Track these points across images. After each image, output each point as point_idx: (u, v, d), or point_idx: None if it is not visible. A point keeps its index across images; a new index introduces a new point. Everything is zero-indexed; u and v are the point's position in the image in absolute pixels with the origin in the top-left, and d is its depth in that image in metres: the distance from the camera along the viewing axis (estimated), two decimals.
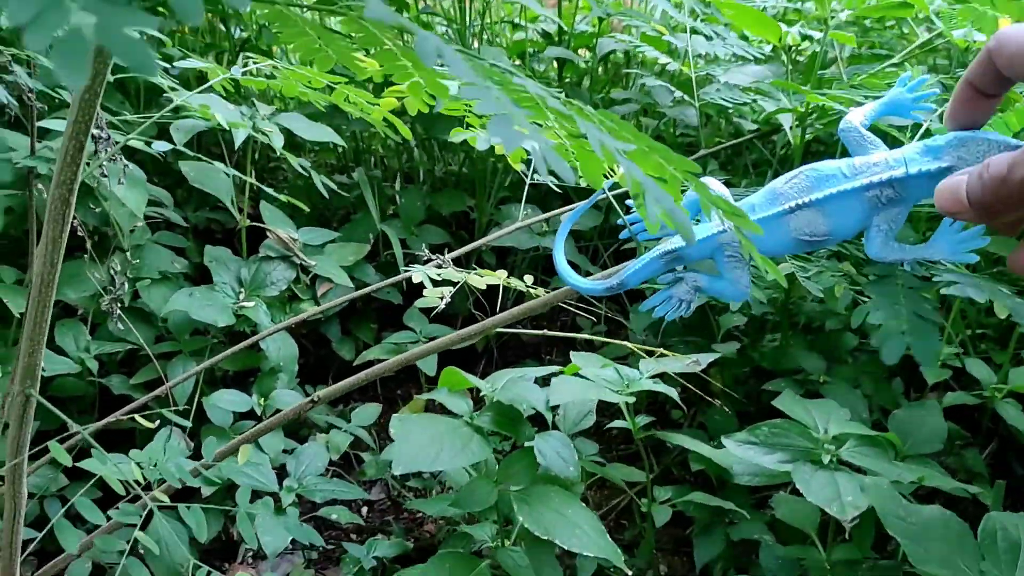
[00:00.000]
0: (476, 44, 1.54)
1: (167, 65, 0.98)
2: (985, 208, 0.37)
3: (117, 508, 0.81)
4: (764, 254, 0.43)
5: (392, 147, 1.66)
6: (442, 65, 0.33)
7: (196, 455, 1.05)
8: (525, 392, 0.79)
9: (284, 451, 1.15)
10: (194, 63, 0.84)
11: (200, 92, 0.92)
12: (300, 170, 1.02)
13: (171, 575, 1.12)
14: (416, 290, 1.43)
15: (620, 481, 1.03)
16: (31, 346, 0.71)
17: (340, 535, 1.26)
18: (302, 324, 1.35)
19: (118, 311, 0.96)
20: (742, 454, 0.78)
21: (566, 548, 0.74)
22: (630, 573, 0.76)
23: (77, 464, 0.84)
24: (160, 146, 0.99)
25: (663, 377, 0.87)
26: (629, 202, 0.57)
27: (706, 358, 0.85)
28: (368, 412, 1.19)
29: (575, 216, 0.56)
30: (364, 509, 1.30)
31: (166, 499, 0.95)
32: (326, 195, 1.18)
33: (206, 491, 1.05)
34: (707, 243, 0.49)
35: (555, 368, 0.84)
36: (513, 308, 0.73)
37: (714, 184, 0.50)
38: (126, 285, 0.95)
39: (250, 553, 1.21)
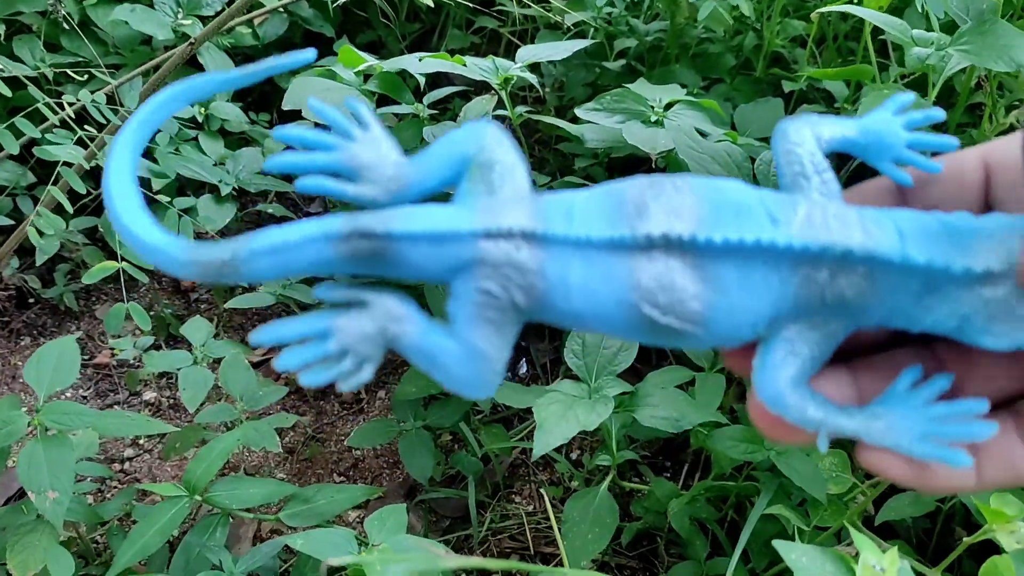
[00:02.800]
0: None
1: None
2: None
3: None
4: (567, 319, 0.25)
5: None
6: None
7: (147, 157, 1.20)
8: (405, 63, 0.93)
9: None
10: None
11: None
12: None
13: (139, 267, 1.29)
14: (347, 28, 1.53)
15: None
16: None
17: None
18: (243, 55, 1.47)
19: (63, 12, 1.07)
20: (589, 118, 0.93)
21: None
22: None
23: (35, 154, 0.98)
24: None
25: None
26: (285, 130, 0.28)
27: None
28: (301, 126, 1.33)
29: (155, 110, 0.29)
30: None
31: None
32: None
33: (156, 184, 1.21)
34: (449, 248, 0.25)
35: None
36: None
37: (496, 139, 0.27)
38: None
39: None
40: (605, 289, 0.24)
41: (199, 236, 1.40)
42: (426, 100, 1.04)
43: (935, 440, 0.23)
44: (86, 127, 0.96)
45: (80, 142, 0.97)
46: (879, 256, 0.23)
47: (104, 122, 0.97)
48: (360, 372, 0.25)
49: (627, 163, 1.28)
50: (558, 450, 1.11)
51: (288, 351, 0.25)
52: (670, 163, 0.93)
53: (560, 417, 0.77)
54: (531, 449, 1.13)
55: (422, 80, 0.93)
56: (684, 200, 0.24)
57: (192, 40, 0.93)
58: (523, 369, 1.23)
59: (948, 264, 0.23)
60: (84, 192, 0.86)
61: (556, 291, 0.24)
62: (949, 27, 0.85)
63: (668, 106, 0.93)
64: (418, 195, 0.26)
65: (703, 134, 0.90)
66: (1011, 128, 0.95)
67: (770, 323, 0.24)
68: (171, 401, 1.21)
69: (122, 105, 1.13)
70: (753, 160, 0.84)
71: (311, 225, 0.25)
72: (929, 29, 0.86)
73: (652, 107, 0.92)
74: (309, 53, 0.29)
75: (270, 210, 1.28)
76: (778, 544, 0.45)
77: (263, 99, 1.55)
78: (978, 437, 0.23)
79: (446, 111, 1.40)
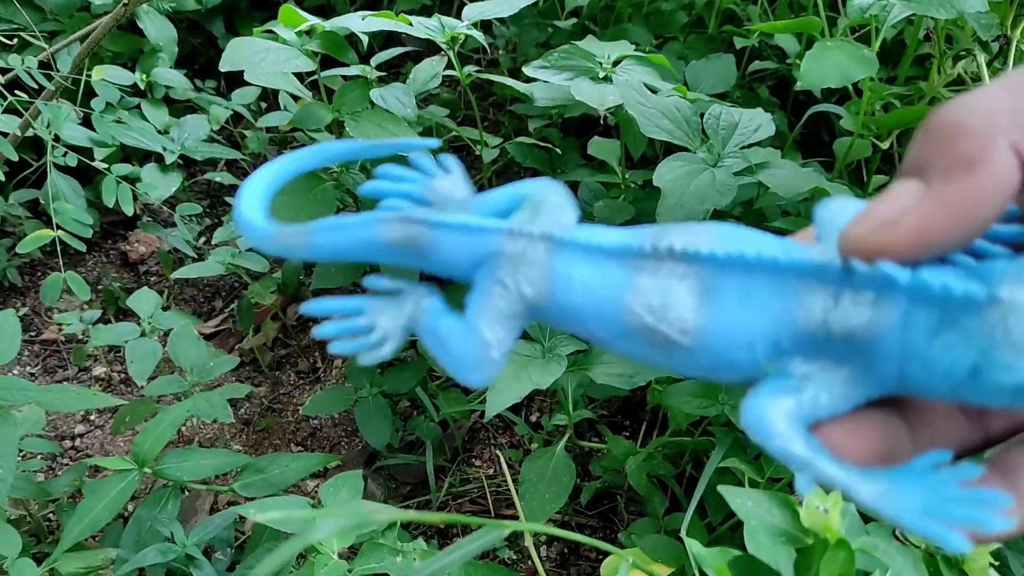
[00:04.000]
0: None
1: None
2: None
3: None
4: (567, 316, 0.26)
5: None
6: None
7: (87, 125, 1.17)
8: (348, 22, 0.91)
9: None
10: None
11: None
12: None
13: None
14: None
15: (466, 137, 1.17)
16: None
17: (229, 207, 1.41)
18: (188, 22, 1.43)
19: None
20: (538, 75, 0.91)
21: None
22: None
23: None
24: None
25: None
26: (385, 168, 0.32)
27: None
28: (248, 92, 1.30)
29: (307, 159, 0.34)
30: None
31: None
32: None
33: (99, 154, 1.17)
34: (476, 240, 0.27)
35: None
36: None
37: (553, 188, 0.29)
38: None
39: (149, 221, 1.36)
40: (605, 287, 0.25)
41: (147, 207, 1.37)
42: (374, 61, 1.01)
43: (938, 519, 0.21)
44: (18, 93, 0.93)
45: (14, 111, 0.94)
46: (888, 276, 0.21)
47: (37, 88, 0.94)
48: (381, 347, 0.28)
49: (580, 124, 1.27)
50: (517, 413, 1.11)
51: (327, 323, 0.28)
52: (620, 119, 0.92)
53: (513, 377, 0.76)
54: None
55: (365, 39, 0.91)
56: (703, 232, 0.24)
57: (125, 2, 0.90)
58: None
59: (967, 290, 0.20)
60: (17, 160, 0.83)
61: (560, 285, 0.26)
62: None
63: (616, 62, 0.92)
64: None
65: (653, 90, 0.89)
66: (959, 79, 0.95)
67: (773, 350, 0.23)
68: (122, 376, 1.19)
69: (57, 70, 1.10)
70: (702, 115, 0.83)
71: (372, 217, 0.29)
72: None
73: (600, 63, 0.91)
74: (433, 142, 0.34)
75: (218, 179, 1.25)
76: (724, 490, 0.45)
77: (209, 65, 1.51)
78: (989, 528, 0.21)
79: (399, 75, 1.37)
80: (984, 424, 0.25)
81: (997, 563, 0.49)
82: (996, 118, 0.19)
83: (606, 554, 0.94)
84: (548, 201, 0.28)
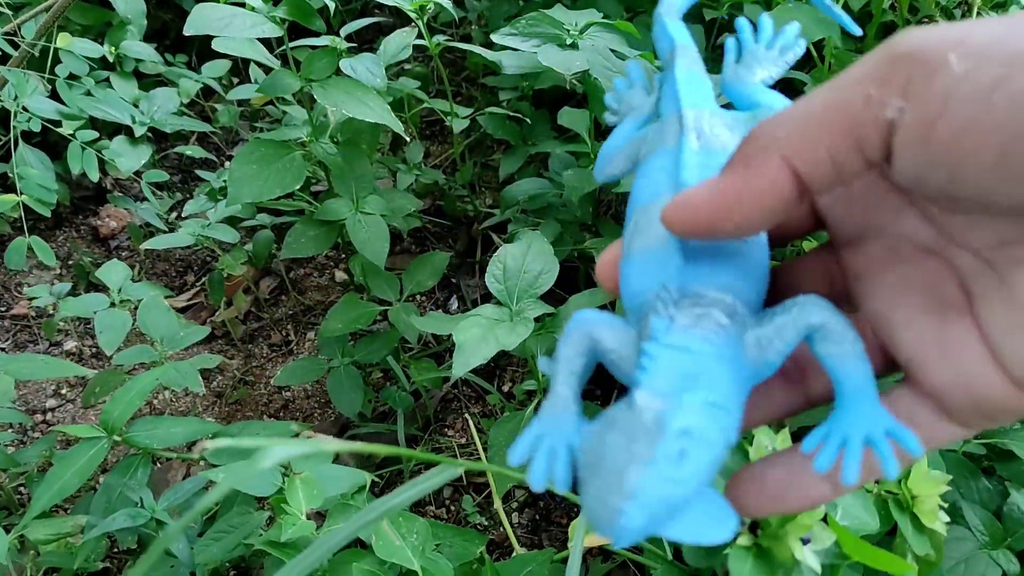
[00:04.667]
0: None
1: None
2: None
3: None
4: (634, 181, 0.32)
5: None
6: None
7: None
8: None
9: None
10: None
11: None
12: None
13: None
14: None
15: (437, 108, 1.17)
16: None
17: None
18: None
19: None
20: (505, 42, 0.91)
21: (350, 115, 0.89)
22: (406, 137, 0.92)
23: None
24: None
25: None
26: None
27: None
28: (219, 65, 1.30)
29: None
30: (226, 164, 1.44)
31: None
32: None
33: (68, 126, 1.16)
34: (670, 100, 0.32)
35: None
36: None
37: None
38: None
39: (118, 195, 1.35)
40: (650, 185, 0.30)
41: (118, 182, 1.36)
42: (344, 31, 1.01)
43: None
44: None
45: None
46: (654, 328, 0.25)
47: (2, 59, 0.93)
48: (613, 115, 0.38)
49: (552, 97, 1.27)
50: (490, 381, 1.12)
51: (618, 78, 0.39)
52: (588, 88, 0.92)
53: (480, 339, 0.77)
54: (463, 383, 1.13)
55: (333, 6, 0.91)
56: None
57: None
58: (454, 306, 1.23)
59: (638, 377, 0.24)
60: None
61: (649, 160, 0.31)
62: None
63: (584, 29, 0.92)
64: (735, 95, 0.34)
65: (621, 57, 0.89)
66: None
67: (635, 300, 0.27)
68: (93, 350, 1.18)
69: (23, 38, 1.09)
70: None
71: (686, 40, 0.34)
72: None
73: (568, 30, 0.91)
74: (857, 30, 0.39)
75: (189, 152, 1.24)
76: None
77: (179, 41, 1.50)
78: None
79: (372, 50, 1.37)
80: (805, 389, 0.28)
81: (946, 505, 0.50)
82: (775, 132, 0.23)
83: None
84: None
